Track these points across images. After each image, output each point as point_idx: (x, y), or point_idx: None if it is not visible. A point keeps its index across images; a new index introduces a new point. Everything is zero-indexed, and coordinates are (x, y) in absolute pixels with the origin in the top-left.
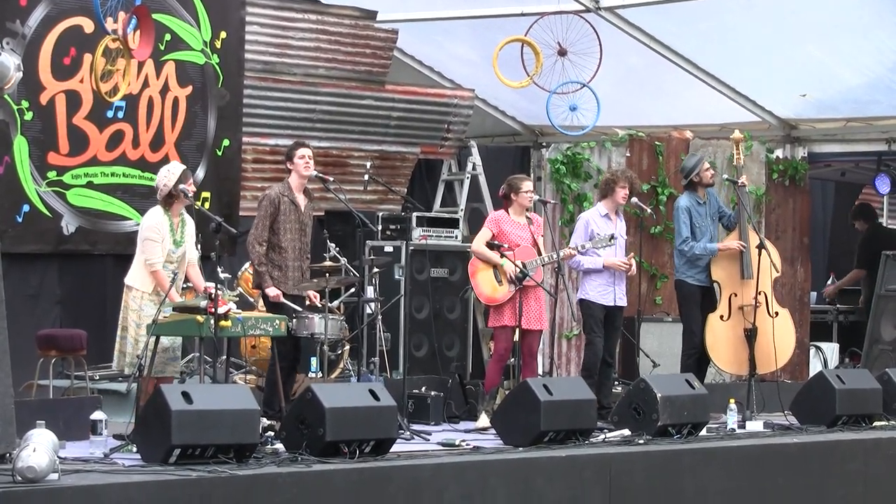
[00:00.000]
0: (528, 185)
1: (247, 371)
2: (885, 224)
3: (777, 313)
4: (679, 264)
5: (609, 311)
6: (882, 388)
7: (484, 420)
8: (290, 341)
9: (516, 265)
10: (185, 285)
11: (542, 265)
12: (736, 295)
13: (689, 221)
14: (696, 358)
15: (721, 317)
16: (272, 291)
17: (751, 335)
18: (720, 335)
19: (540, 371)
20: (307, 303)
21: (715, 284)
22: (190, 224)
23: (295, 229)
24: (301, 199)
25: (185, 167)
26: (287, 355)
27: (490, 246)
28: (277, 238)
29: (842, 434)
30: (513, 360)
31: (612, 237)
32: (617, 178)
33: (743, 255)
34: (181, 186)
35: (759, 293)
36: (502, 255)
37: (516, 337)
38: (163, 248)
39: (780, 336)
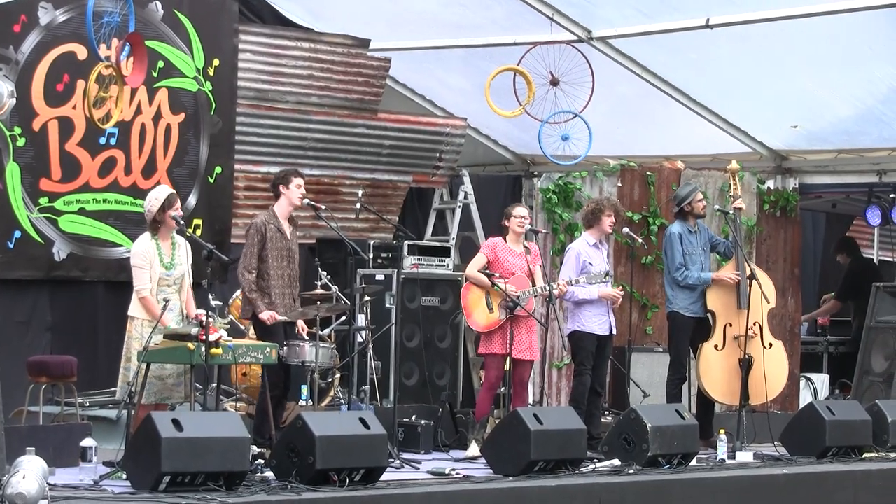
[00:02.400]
0: (519, 210)
1: (237, 398)
2: (876, 255)
3: (771, 345)
4: (671, 294)
5: (601, 340)
6: (872, 419)
7: (474, 448)
8: (281, 369)
9: (509, 294)
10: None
11: (534, 296)
12: (731, 325)
13: (681, 248)
14: (680, 387)
15: (715, 346)
16: (266, 314)
17: (744, 365)
18: (714, 365)
19: (530, 400)
20: (296, 331)
21: (709, 314)
22: (184, 247)
23: (283, 256)
24: (287, 227)
25: (171, 191)
26: (278, 384)
27: (484, 274)
28: (265, 266)
29: (831, 465)
30: (503, 389)
31: (608, 273)
32: (602, 207)
33: (739, 286)
34: (170, 213)
35: (754, 324)
36: (493, 284)
37: (508, 366)
38: (152, 274)
39: (772, 367)
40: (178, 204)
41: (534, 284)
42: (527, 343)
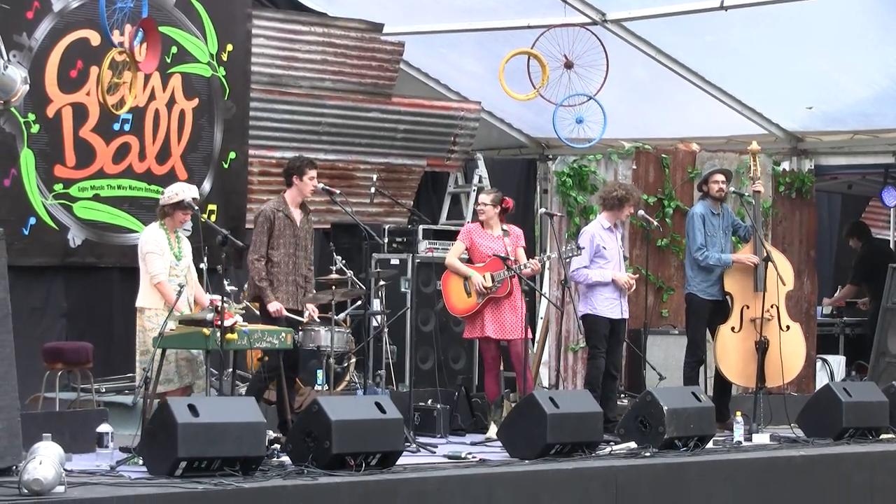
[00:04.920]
0: (481, 197)
1: None
2: (892, 236)
3: (788, 327)
4: (690, 276)
5: (614, 324)
6: (889, 400)
7: (494, 430)
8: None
9: (511, 267)
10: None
11: (511, 276)
12: (748, 307)
13: (703, 229)
14: (697, 370)
15: (732, 328)
16: (273, 307)
17: (760, 348)
18: (731, 347)
19: (545, 383)
20: (307, 316)
21: (727, 296)
22: (186, 240)
23: (289, 244)
24: (297, 214)
25: (195, 196)
26: (278, 367)
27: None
28: (272, 252)
29: (848, 447)
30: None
31: (579, 247)
32: (629, 198)
33: (757, 268)
34: (187, 202)
35: (771, 306)
36: (470, 273)
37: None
38: (164, 260)
39: (790, 350)
40: (194, 210)
41: (508, 268)
42: (512, 322)
